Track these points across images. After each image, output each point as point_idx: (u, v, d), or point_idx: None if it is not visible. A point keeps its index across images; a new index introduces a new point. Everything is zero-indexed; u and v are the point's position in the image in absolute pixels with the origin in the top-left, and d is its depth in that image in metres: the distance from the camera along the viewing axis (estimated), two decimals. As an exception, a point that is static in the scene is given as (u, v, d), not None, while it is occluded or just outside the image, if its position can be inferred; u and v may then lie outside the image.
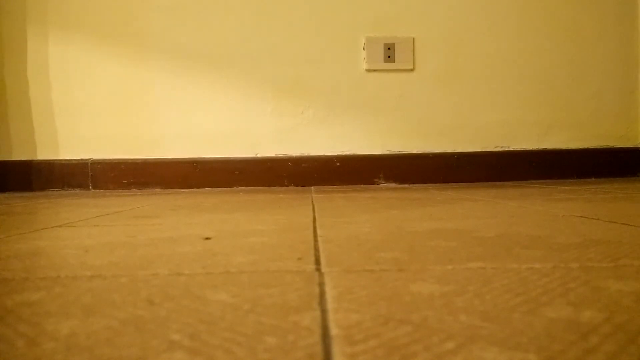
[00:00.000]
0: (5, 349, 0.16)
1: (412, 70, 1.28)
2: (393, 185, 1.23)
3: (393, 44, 1.27)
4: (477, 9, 1.29)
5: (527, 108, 1.32)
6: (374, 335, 0.17)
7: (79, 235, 0.43)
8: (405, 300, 0.21)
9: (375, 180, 1.26)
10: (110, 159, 1.28)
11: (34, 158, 1.29)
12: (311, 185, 1.25)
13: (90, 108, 1.30)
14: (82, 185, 1.28)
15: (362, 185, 1.19)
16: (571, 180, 1.25)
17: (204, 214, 0.58)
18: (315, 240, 0.37)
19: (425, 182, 1.25)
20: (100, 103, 1.30)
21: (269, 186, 1.26)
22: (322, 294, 0.22)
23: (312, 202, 0.74)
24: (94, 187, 1.28)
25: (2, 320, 0.19)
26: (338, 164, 1.25)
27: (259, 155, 1.29)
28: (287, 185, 1.27)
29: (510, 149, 1.31)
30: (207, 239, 0.39)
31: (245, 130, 1.29)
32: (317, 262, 0.29)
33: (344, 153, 1.29)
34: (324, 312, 0.19)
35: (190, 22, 1.28)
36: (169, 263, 0.30)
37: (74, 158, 1.29)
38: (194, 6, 1.27)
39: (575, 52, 1.31)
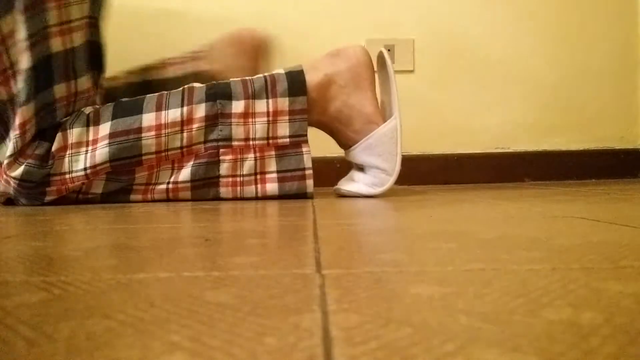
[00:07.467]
0: (5, 351, 0.16)
1: (412, 71, 1.28)
2: (393, 186, 1.23)
3: (393, 46, 1.27)
4: (477, 12, 1.29)
5: (527, 110, 1.32)
6: (375, 336, 0.17)
7: (79, 237, 0.43)
8: (405, 301, 0.21)
9: (375, 181, 1.25)
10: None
11: (34, 159, 1.29)
12: (311, 187, 1.24)
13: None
14: (82, 187, 1.27)
15: (362, 187, 1.19)
16: (571, 181, 1.25)
17: (205, 216, 0.58)
18: (316, 242, 0.37)
19: (425, 184, 1.25)
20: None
21: (269, 187, 1.26)
22: (322, 296, 0.22)
23: (313, 203, 0.74)
24: (94, 189, 1.27)
25: (2, 322, 0.19)
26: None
27: (259, 157, 1.29)
28: (287, 187, 1.27)
29: (511, 150, 1.31)
30: (207, 240, 0.39)
31: (245, 131, 1.29)
32: (318, 263, 0.29)
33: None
34: (324, 313, 0.19)
35: (191, 24, 1.28)
36: (169, 264, 0.30)
37: (74, 159, 1.28)
38: (195, 9, 1.28)
39: (574, 53, 1.31)
